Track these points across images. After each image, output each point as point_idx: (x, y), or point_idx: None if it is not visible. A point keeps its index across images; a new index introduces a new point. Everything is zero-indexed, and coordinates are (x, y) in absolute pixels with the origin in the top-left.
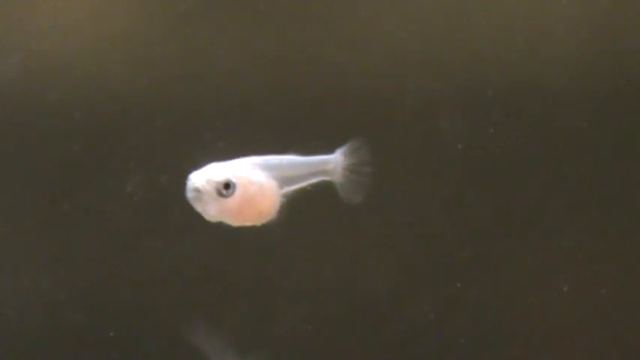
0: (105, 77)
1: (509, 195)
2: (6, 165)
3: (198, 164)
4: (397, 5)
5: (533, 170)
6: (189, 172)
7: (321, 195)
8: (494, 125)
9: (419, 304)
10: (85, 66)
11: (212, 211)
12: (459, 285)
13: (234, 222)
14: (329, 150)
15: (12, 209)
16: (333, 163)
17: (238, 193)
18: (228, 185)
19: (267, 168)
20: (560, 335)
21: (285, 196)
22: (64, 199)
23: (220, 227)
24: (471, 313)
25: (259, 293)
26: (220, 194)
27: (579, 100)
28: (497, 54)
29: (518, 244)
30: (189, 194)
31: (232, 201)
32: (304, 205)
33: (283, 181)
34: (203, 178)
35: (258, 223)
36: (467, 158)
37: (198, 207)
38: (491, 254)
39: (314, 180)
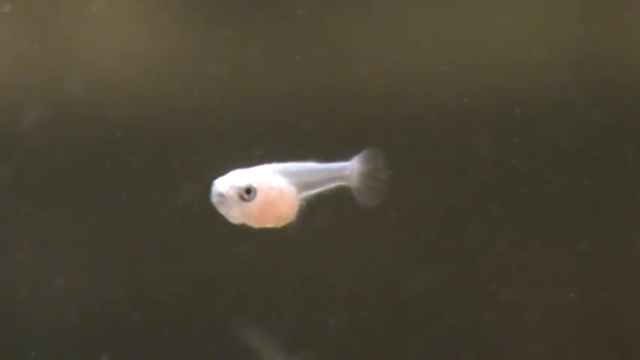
0: (161, 95)
1: (529, 201)
2: (73, 175)
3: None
4: (418, 15)
5: (555, 178)
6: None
7: (345, 200)
8: (515, 135)
9: (452, 305)
10: (143, 83)
11: (235, 214)
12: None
13: (255, 224)
14: (346, 157)
15: (78, 214)
16: (349, 169)
17: (259, 197)
18: (249, 190)
19: (287, 174)
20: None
21: (305, 200)
22: (125, 205)
23: (267, 232)
24: (500, 313)
25: (306, 294)
26: (242, 198)
27: (603, 111)
28: (516, 63)
29: (542, 248)
30: (214, 199)
31: (254, 205)
32: (335, 212)
33: (302, 186)
34: (227, 183)
35: (278, 225)
36: (486, 164)
37: (222, 210)
38: (514, 258)
39: (331, 185)
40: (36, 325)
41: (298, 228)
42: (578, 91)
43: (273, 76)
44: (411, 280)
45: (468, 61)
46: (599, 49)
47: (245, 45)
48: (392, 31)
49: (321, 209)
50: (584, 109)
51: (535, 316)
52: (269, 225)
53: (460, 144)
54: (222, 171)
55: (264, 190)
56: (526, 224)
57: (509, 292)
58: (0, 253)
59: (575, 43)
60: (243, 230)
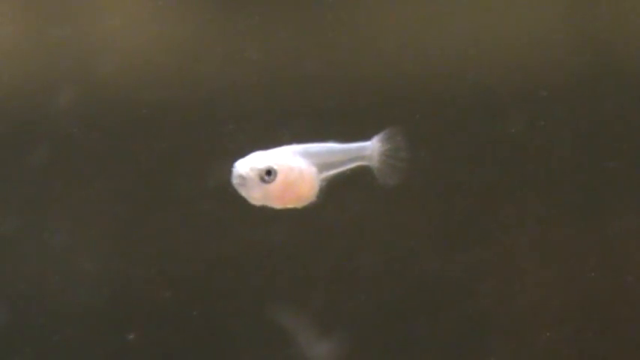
0: (189, 77)
1: (554, 182)
2: (105, 157)
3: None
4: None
5: (580, 159)
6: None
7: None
8: (541, 116)
9: (482, 285)
10: (173, 66)
11: (256, 195)
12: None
13: (276, 205)
14: (367, 137)
15: (111, 195)
16: (370, 149)
17: (279, 178)
18: (269, 172)
19: (307, 155)
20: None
21: (326, 180)
22: (156, 186)
23: (299, 215)
24: (528, 293)
25: (336, 277)
26: (263, 180)
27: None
28: (540, 44)
29: (567, 229)
30: (235, 180)
31: (274, 186)
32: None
33: (323, 167)
34: (247, 165)
35: (299, 205)
36: (512, 145)
37: (243, 192)
38: (540, 238)
39: (352, 165)
40: (70, 303)
41: (326, 209)
42: (602, 73)
43: (299, 58)
44: (439, 260)
45: (492, 42)
46: (623, 31)
47: (273, 28)
48: (417, 13)
49: (350, 190)
50: (609, 91)
51: (560, 297)
52: (290, 206)
53: (486, 123)
54: (251, 151)
55: (285, 171)
56: (552, 204)
57: (536, 272)
58: (36, 233)
59: (599, 24)
60: (272, 211)
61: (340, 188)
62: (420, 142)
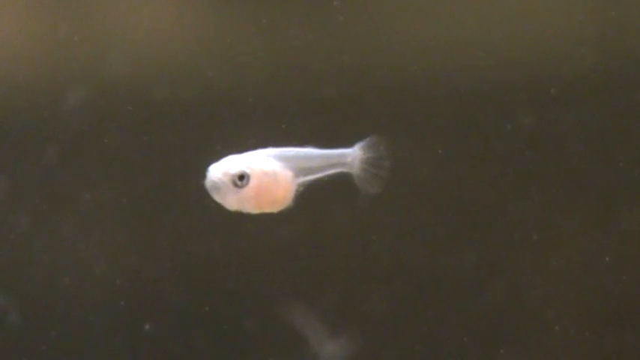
0: (200, 75)
1: (565, 180)
2: (116, 157)
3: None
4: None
5: (593, 156)
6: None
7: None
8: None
9: (499, 285)
10: (184, 64)
11: (230, 200)
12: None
13: (251, 210)
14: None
15: (123, 195)
16: (351, 156)
17: (253, 183)
18: (242, 177)
19: (283, 159)
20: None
21: (303, 185)
22: (168, 183)
23: (312, 214)
24: (539, 289)
25: (348, 276)
26: (236, 185)
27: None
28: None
29: (581, 226)
30: (208, 186)
31: (248, 191)
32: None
33: (299, 172)
34: (219, 170)
35: (274, 210)
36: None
37: (217, 197)
38: (553, 235)
39: (332, 171)
40: (84, 297)
41: (337, 206)
42: (616, 70)
43: (306, 58)
44: (451, 257)
45: (503, 41)
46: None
47: (282, 28)
48: (428, 11)
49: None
50: (623, 87)
51: (571, 293)
52: (266, 210)
53: (495, 122)
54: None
55: (258, 175)
56: (564, 202)
57: (547, 269)
58: (50, 230)
59: (614, 22)
60: (285, 209)
61: (349, 187)
62: (430, 137)
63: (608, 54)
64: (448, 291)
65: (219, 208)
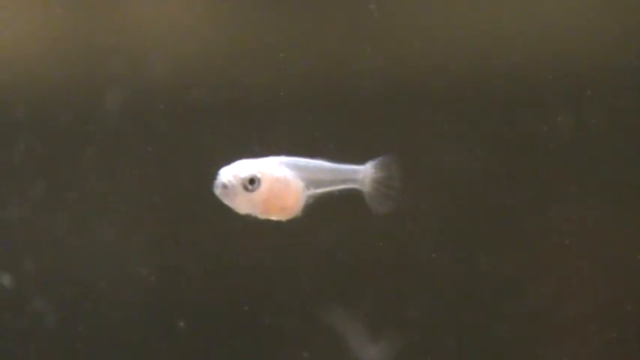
0: (236, 80)
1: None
2: (153, 159)
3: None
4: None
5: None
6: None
7: None
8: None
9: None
10: (220, 69)
11: (239, 204)
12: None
13: (260, 215)
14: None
15: (159, 196)
16: (362, 173)
17: (264, 187)
18: (253, 180)
19: (295, 168)
20: None
21: (313, 197)
22: (206, 186)
23: (349, 218)
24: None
25: (388, 280)
26: (246, 189)
27: None
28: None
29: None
30: (217, 189)
31: (258, 195)
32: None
33: (311, 183)
34: (230, 173)
35: (283, 217)
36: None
37: (226, 200)
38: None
39: (342, 186)
40: (118, 294)
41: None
42: None
43: (343, 60)
44: (490, 263)
45: (539, 46)
46: None
47: (319, 35)
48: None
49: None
50: None
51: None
52: (274, 217)
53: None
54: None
55: (269, 180)
56: (600, 204)
57: (587, 272)
58: (86, 230)
59: None
60: (326, 213)
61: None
62: (455, 134)
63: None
64: (484, 296)
65: None
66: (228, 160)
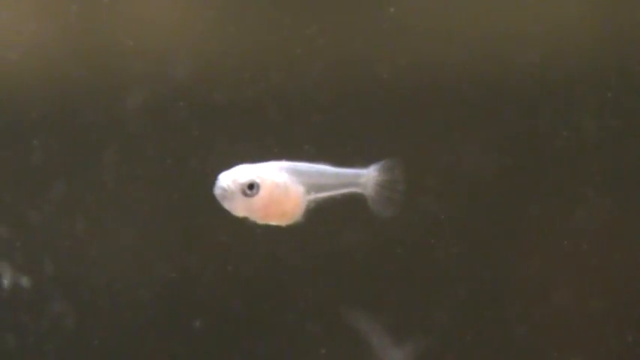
0: (256, 81)
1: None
2: (174, 159)
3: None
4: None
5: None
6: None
7: None
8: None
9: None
10: (242, 69)
11: (238, 208)
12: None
13: (259, 220)
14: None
15: (180, 197)
16: (365, 177)
17: (263, 193)
18: (252, 186)
19: (295, 173)
20: None
21: (315, 201)
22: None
23: (372, 223)
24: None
25: (410, 283)
26: (245, 194)
27: None
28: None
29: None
30: (217, 193)
31: (257, 200)
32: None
33: (312, 188)
34: (229, 178)
35: (282, 223)
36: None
37: (226, 205)
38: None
39: (345, 190)
40: (134, 294)
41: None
42: None
43: (363, 62)
44: (511, 265)
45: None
46: None
47: (320, 40)
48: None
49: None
50: None
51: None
52: (274, 222)
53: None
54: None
55: (268, 186)
56: (612, 206)
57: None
58: (100, 232)
59: None
60: (345, 215)
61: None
62: (458, 137)
63: None
64: (490, 299)
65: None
66: (243, 160)
